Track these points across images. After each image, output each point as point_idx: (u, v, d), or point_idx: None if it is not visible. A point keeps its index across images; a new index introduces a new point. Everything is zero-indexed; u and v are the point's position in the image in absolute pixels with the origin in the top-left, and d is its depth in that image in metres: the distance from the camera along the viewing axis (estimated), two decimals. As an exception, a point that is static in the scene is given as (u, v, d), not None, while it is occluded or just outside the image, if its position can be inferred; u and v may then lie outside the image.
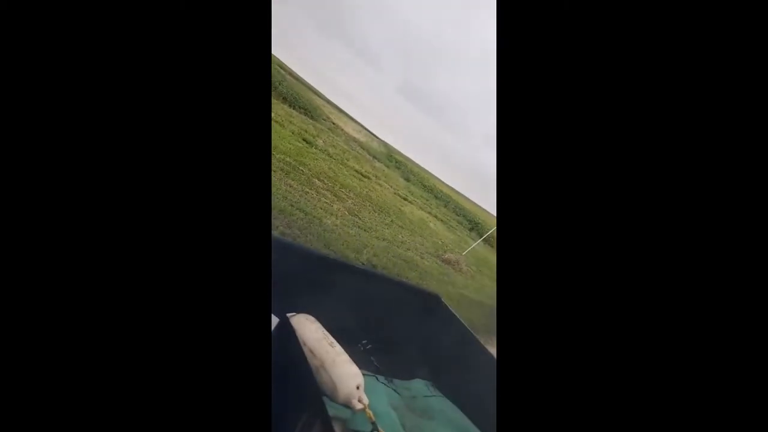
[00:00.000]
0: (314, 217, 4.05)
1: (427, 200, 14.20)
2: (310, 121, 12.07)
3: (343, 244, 3.85)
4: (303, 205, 4.20)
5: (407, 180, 15.85)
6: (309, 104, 13.82)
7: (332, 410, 1.08)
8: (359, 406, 1.11)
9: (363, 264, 3.81)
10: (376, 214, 6.36)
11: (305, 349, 1.22)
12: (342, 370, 1.15)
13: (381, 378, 1.50)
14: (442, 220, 11.69)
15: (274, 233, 2.98)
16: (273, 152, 5.53)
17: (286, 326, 0.67)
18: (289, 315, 1.33)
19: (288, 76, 16.56)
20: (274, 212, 3.44)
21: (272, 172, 4.74)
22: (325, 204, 4.87)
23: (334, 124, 15.68)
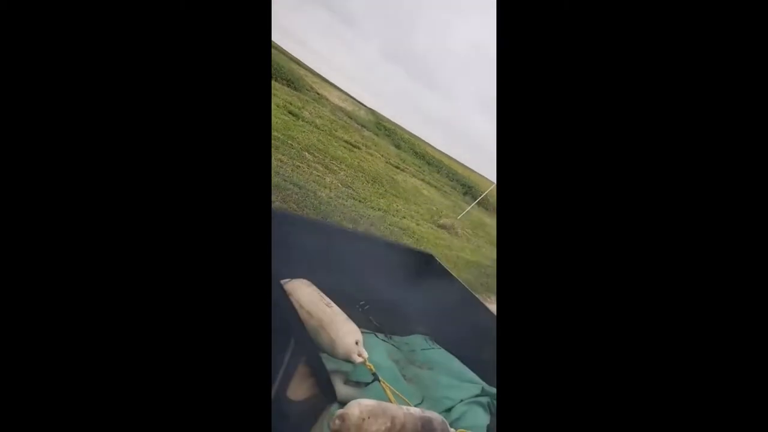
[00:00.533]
0: (308, 190, 4.05)
1: (420, 167, 14.18)
2: (294, 92, 11.70)
3: (339, 216, 3.89)
4: (296, 179, 4.18)
5: (398, 147, 15.71)
6: (291, 75, 13.33)
7: (333, 365, 1.13)
8: (359, 359, 1.16)
9: (378, 236, 3.89)
10: (370, 185, 6.37)
11: (302, 312, 1.24)
12: (340, 327, 1.19)
13: (380, 335, 1.57)
14: (435, 186, 11.76)
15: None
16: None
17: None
18: (283, 281, 1.35)
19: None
20: (273, 188, 3.44)
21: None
22: (317, 177, 4.85)
23: (318, 94, 15.21)
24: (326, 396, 0.51)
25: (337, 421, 0.88)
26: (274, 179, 3.69)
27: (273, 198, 3.29)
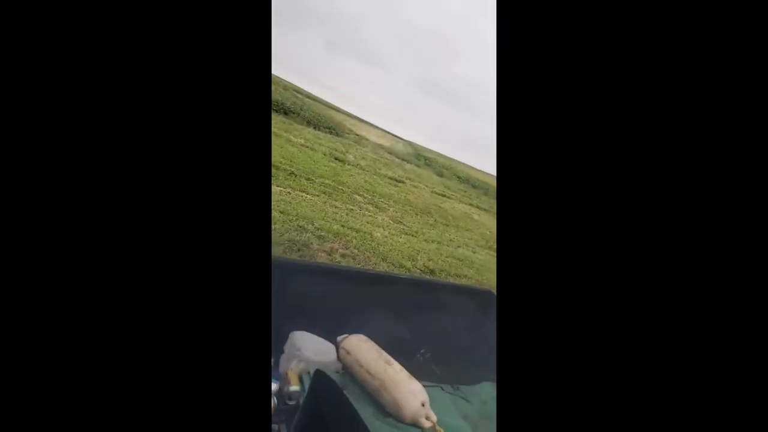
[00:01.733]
0: (365, 233, 4.15)
1: (465, 191, 14.00)
2: (337, 138, 12.33)
3: (397, 254, 3.91)
4: (352, 223, 4.32)
5: (440, 175, 15.71)
6: (331, 121, 14.13)
7: (400, 430, 1.07)
8: (428, 424, 1.10)
9: (420, 270, 3.85)
10: (419, 217, 6.38)
11: (362, 372, 1.22)
12: (404, 388, 1.14)
13: (446, 387, 1.48)
14: (485, 209, 11.47)
15: (318, 260, 3.07)
16: (312, 177, 5.72)
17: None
18: (339, 338, 1.34)
19: (306, 99, 17.06)
20: (329, 236, 3.58)
21: (317, 195, 4.92)
22: (370, 218, 4.97)
23: (357, 135, 15.91)
24: None
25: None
26: (335, 227, 3.86)
27: (336, 246, 3.41)
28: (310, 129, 11.33)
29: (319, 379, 0.59)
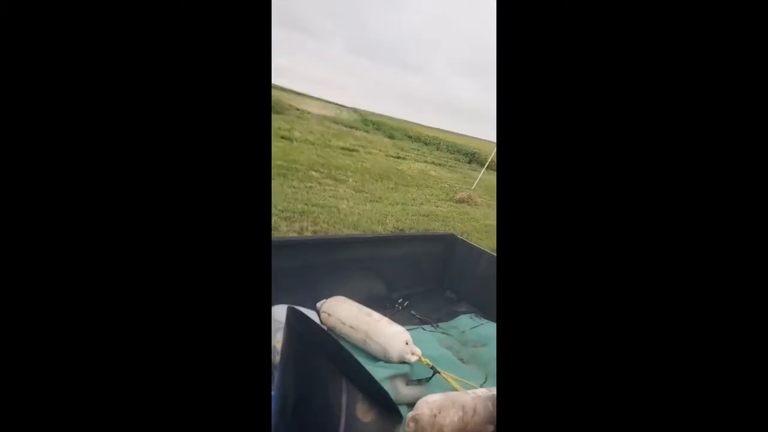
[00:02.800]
0: (330, 207, 4.16)
1: (419, 150, 14.13)
2: (278, 115, 11.83)
3: (366, 221, 3.98)
4: (315, 199, 4.30)
5: (391, 137, 15.67)
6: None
7: (391, 370, 1.16)
8: (414, 358, 1.20)
9: (391, 232, 3.97)
10: (379, 182, 6.44)
11: (345, 328, 1.30)
12: (387, 332, 1.23)
13: (427, 327, 1.62)
14: (439, 164, 11.71)
15: (280, 235, 3.08)
16: (263, 161, 5.53)
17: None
18: (318, 304, 1.41)
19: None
20: (295, 215, 3.56)
21: (273, 179, 4.81)
22: (331, 191, 4.96)
23: (299, 110, 15.34)
24: (393, 418, 0.53)
25: (411, 424, 0.96)
26: (299, 207, 3.83)
27: (306, 225, 3.41)
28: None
29: (291, 312, 0.64)
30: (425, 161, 11.41)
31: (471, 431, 0.97)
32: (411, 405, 1.04)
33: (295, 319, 0.64)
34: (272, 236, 2.92)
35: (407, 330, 1.33)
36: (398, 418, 0.49)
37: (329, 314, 1.37)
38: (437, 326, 1.65)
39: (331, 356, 0.57)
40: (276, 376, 0.68)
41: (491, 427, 1.00)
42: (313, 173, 5.71)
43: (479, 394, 1.04)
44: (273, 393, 0.63)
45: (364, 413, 0.49)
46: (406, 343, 1.23)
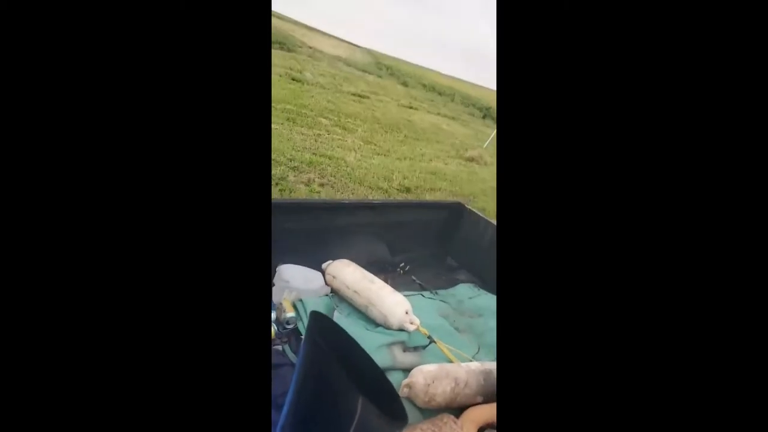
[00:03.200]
0: (338, 158, 4.10)
1: (432, 100, 13.59)
2: (289, 54, 11.26)
3: (373, 177, 3.95)
4: (323, 149, 4.23)
5: (405, 85, 15.00)
6: (280, 34, 12.73)
7: (390, 337, 1.22)
8: (412, 327, 1.26)
9: (396, 189, 3.95)
10: (388, 134, 6.28)
11: (349, 292, 1.35)
12: (388, 301, 1.29)
13: (426, 293, 1.66)
14: (452, 118, 11.32)
15: (297, 192, 3.08)
16: (273, 103, 5.37)
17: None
18: (324, 265, 1.45)
19: (247, 9, 14.99)
20: (303, 166, 3.53)
21: (281, 124, 4.69)
22: (339, 141, 4.86)
23: (311, 48, 14.52)
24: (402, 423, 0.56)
25: (405, 390, 1.03)
26: (307, 156, 3.78)
27: (313, 177, 3.39)
28: (259, 46, 10.22)
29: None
30: (438, 113, 11.01)
31: (461, 402, 1.04)
32: (406, 371, 1.11)
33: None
34: (281, 195, 2.93)
35: (407, 296, 1.38)
36: (404, 423, 0.52)
37: (334, 276, 1.41)
38: (436, 293, 1.70)
39: (348, 368, 0.58)
40: (293, 377, 0.70)
41: (480, 399, 1.07)
42: (323, 120, 5.55)
43: (472, 368, 1.10)
44: (288, 396, 0.65)
45: (374, 420, 0.52)
46: (406, 313, 1.29)
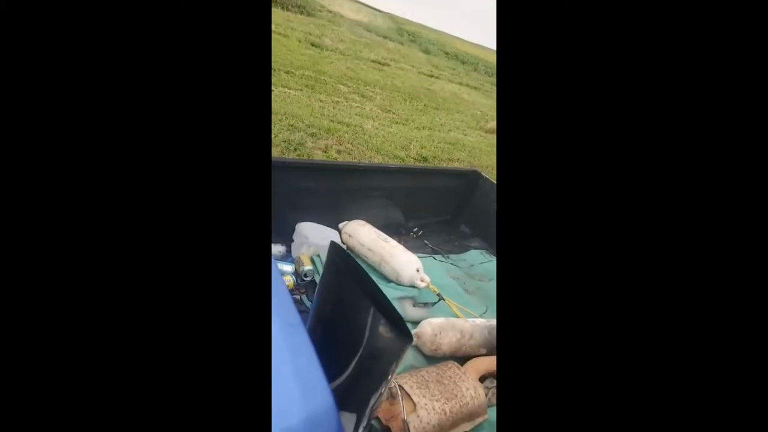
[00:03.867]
0: (355, 126, 4.10)
1: (454, 69, 13.12)
2: (309, 18, 10.98)
3: (390, 145, 3.94)
4: (341, 116, 4.22)
5: (427, 52, 14.48)
6: (299, -3, 12.37)
7: (401, 292, 1.28)
8: (422, 284, 1.32)
9: (414, 159, 3.94)
10: (407, 103, 6.17)
11: (363, 249, 1.41)
12: (400, 259, 1.34)
13: (438, 257, 1.72)
14: (474, 87, 10.96)
15: (315, 158, 3.11)
16: (292, 69, 5.33)
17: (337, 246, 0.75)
18: (340, 225, 1.51)
19: (266, -30, 14.57)
20: (321, 132, 3.55)
21: (300, 90, 4.68)
22: (358, 109, 4.82)
23: (330, 12, 14.09)
24: (405, 340, 0.62)
25: (414, 339, 1.10)
26: (324, 123, 3.79)
27: (330, 143, 3.42)
28: (278, 10, 10.00)
29: (334, 246, 0.75)
30: (460, 83, 10.68)
31: (465, 352, 1.11)
32: (415, 324, 1.18)
33: (335, 253, 0.73)
34: (298, 153, 2.97)
35: (419, 257, 1.43)
36: (409, 341, 0.58)
37: (350, 235, 1.48)
38: (448, 257, 1.75)
39: (363, 287, 0.66)
40: (315, 296, 0.79)
41: (483, 351, 1.13)
42: (341, 87, 5.49)
43: (477, 323, 1.16)
44: (311, 309, 0.73)
45: (384, 333, 0.58)
46: (417, 270, 1.34)
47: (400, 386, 0.89)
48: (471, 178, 2.04)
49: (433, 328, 1.09)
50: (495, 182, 1.98)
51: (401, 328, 0.58)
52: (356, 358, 0.60)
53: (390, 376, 0.62)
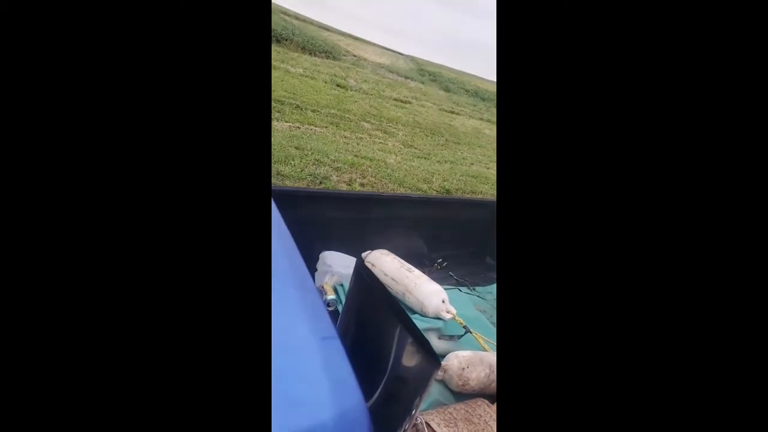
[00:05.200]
0: (378, 160, 4.20)
1: (475, 105, 13.42)
2: (335, 62, 11.65)
3: (413, 178, 3.99)
4: (364, 152, 4.34)
5: (447, 90, 14.94)
6: (326, 44, 13.22)
7: (426, 324, 1.22)
8: (448, 316, 1.25)
9: (436, 191, 3.95)
10: (429, 138, 6.30)
11: (387, 279, 1.37)
12: (426, 289, 1.29)
13: (463, 289, 1.67)
14: (495, 123, 11.12)
15: (331, 184, 3.17)
16: (318, 108, 5.60)
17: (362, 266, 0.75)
18: (363, 254, 1.47)
19: (295, 21, 15.77)
20: (345, 167, 3.65)
21: (326, 127, 4.88)
22: (381, 144, 4.96)
23: (355, 56, 14.94)
24: (432, 364, 0.61)
25: (440, 373, 1.05)
26: (349, 158, 3.92)
27: (354, 177, 3.51)
28: (306, 56, 10.70)
29: (360, 263, 0.74)
30: (480, 118, 10.87)
31: (495, 389, 1.04)
32: (440, 357, 1.12)
33: (362, 269, 0.73)
34: (324, 186, 3.06)
35: (444, 289, 1.39)
36: (437, 365, 0.56)
37: (373, 264, 1.46)
38: (473, 289, 1.70)
39: (389, 305, 0.65)
40: (340, 315, 0.78)
41: (515, 388, 1.06)
42: (365, 124, 5.70)
43: (507, 357, 1.10)
44: (336, 326, 0.73)
45: (410, 356, 0.56)
46: (443, 302, 1.30)
47: (426, 423, 0.84)
48: (494, 209, 2.02)
49: (461, 361, 1.04)
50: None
51: (429, 351, 0.56)
52: (384, 381, 0.58)
53: (418, 403, 0.58)
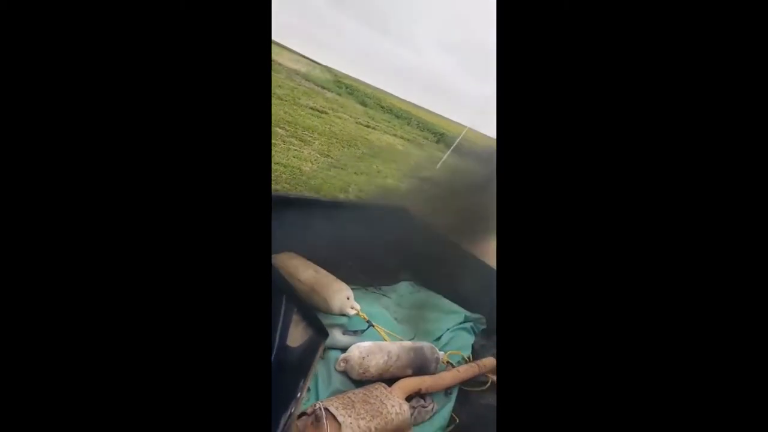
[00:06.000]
0: (293, 167, 4.15)
1: (389, 122, 14.04)
2: (248, 64, 11.17)
3: (329, 187, 4.04)
4: (278, 158, 4.25)
5: (364, 105, 15.38)
6: (240, 45, 12.61)
7: (330, 320, 1.29)
8: (353, 312, 1.35)
9: (350, 200, 4.06)
10: (346, 149, 6.44)
11: (293, 280, 1.39)
12: (331, 287, 1.37)
13: (369, 288, 1.80)
14: (408, 140, 11.79)
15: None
16: (228, 111, 5.31)
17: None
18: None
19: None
20: (256, 173, 3.53)
21: (235, 132, 4.65)
22: (296, 152, 4.91)
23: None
24: (320, 335, 0.62)
25: (342, 364, 1.11)
26: (258, 163, 3.76)
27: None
28: (217, 54, 10.07)
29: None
30: (395, 135, 11.42)
31: (393, 374, 1.15)
32: (345, 350, 1.19)
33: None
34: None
35: (352, 290, 1.47)
36: (324, 336, 0.61)
37: (279, 267, 1.47)
38: (380, 289, 1.82)
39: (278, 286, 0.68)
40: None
41: (410, 371, 1.18)
42: (278, 130, 5.58)
43: (404, 345, 1.22)
44: None
45: (296, 326, 0.60)
46: (348, 298, 1.38)
47: (325, 408, 0.89)
48: (399, 215, 2.18)
49: (361, 351, 1.12)
50: (422, 220, 2.13)
51: (315, 324, 0.60)
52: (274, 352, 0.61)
53: (303, 385, 0.62)
